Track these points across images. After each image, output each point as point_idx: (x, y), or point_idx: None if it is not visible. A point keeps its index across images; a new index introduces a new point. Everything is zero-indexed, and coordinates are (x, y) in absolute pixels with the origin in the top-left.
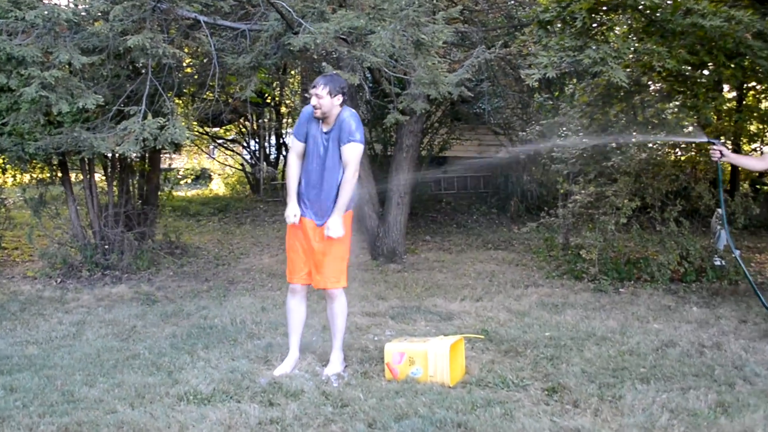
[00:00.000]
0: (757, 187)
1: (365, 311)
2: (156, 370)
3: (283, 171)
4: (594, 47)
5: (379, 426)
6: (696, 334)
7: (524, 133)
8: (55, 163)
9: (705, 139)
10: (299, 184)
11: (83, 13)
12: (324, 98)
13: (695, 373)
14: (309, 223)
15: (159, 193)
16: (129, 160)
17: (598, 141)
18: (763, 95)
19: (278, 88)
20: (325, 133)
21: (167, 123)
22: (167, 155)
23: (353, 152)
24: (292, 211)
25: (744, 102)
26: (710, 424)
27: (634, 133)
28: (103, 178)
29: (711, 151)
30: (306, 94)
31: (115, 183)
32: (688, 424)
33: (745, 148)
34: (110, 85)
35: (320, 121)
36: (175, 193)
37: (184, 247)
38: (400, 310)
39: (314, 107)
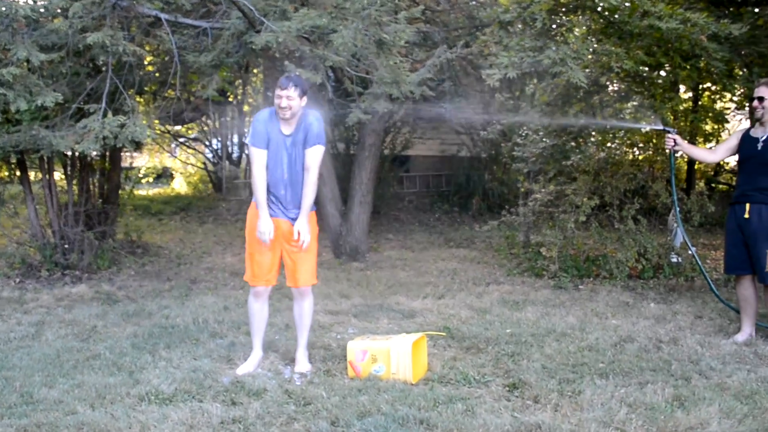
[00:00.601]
0: (712, 185)
1: (328, 309)
2: (117, 370)
3: (246, 169)
4: (554, 48)
5: (342, 424)
6: (653, 330)
7: (486, 132)
8: (14, 161)
9: (661, 127)
10: (272, 192)
11: (42, 10)
12: (295, 99)
13: (653, 367)
14: (285, 224)
15: (120, 191)
16: (89, 158)
17: (564, 121)
18: (717, 96)
19: (241, 87)
20: (287, 135)
21: (128, 121)
22: (128, 154)
23: (318, 155)
24: (267, 228)
25: (699, 102)
26: (667, 418)
27: (595, 121)
28: (63, 176)
29: (665, 140)
30: (269, 93)
31: (74, 182)
32: (645, 418)
33: (701, 147)
34: (70, 83)
35: (280, 124)
36: (136, 192)
37: (146, 246)
38: (363, 308)
39: (283, 108)
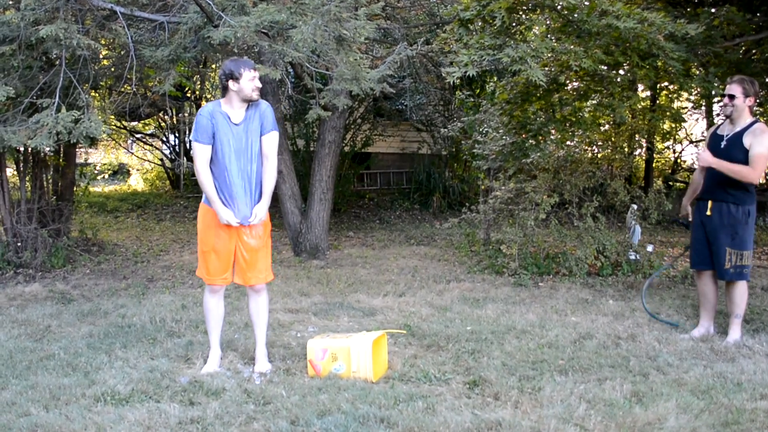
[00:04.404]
0: (670, 184)
1: (288, 308)
2: (72, 370)
3: None
4: (513, 46)
5: (302, 423)
6: (612, 327)
7: (446, 130)
8: None
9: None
10: (223, 186)
11: None
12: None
13: (611, 364)
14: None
15: (74, 188)
16: (42, 154)
17: None
18: (675, 95)
19: (198, 82)
20: (237, 124)
21: (82, 116)
22: (83, 150)
23: (276, 141)
24: (228, 215)
25: (657, 101)
26: (626, 414)
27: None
28: (15, 173)
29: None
30: None
31: (27, 178)
32: (604, 414)
33: (659, 146)
34: (22, 77)
35: (229, 113)
36: (91, 189)
37: (101, 244)
38: (323, 306)
39: (258, 88)
